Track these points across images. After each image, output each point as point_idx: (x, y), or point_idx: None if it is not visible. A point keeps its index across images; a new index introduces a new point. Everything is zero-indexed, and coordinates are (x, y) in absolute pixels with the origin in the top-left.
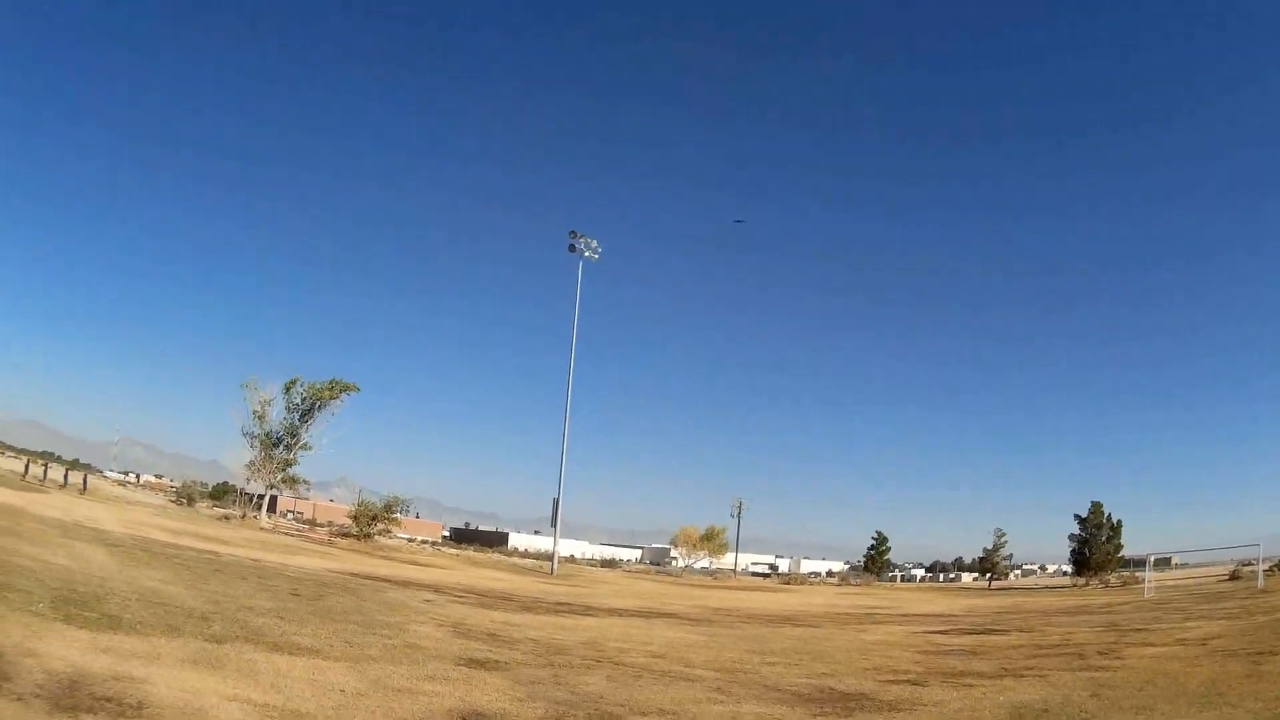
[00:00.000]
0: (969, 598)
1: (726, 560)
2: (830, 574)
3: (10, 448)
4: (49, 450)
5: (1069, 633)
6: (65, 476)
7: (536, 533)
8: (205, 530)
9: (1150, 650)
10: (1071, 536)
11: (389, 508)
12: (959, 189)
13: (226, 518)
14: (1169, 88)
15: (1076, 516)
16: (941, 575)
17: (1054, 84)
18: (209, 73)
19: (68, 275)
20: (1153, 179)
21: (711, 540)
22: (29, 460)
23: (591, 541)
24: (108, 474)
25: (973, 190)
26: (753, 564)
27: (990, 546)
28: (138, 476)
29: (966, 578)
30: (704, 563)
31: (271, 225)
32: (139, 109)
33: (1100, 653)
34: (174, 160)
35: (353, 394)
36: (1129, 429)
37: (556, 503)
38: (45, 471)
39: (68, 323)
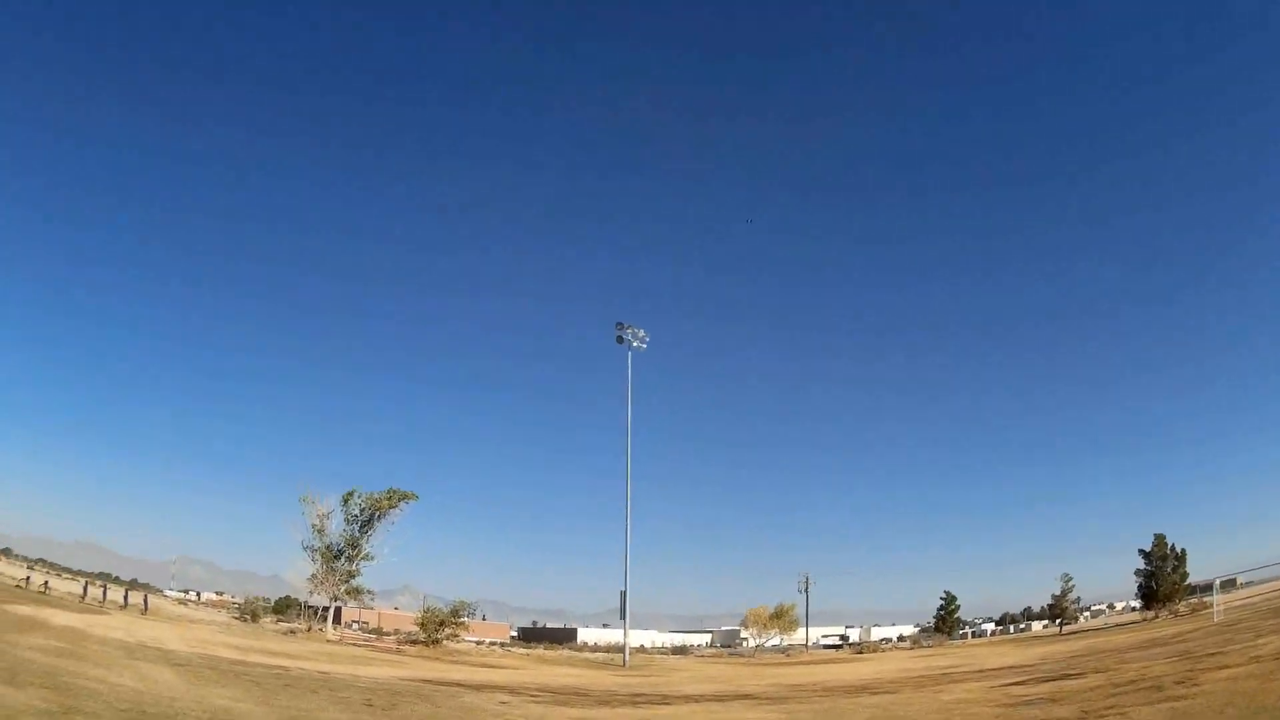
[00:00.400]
0: (1041, 646)
1: (798, 636)
2: (901, 638)
3: (66, 570)
4: (106, 571)
5: (1145, 667)
6: (125, 597)
7: (605, 626)
8: (271, 645)
9: (1225, 672)
10: (1138, 571)
11: (456, 612)
12: (1004, 241)
13: (292, 632)
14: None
15: (1141, 551)
16: (1012, 627)
17: None
18: (262, 184)
19: (117, 397)
20: (1214, 206)
21: (781, 618)
22: (87, 582)
23: (661, 630)
24: (167, 593)
25: (1021, 235)
26: (823, 637)
27: (1058, 593)
28: (198, 595)
29: (1037, 626)
30: (775, 641)
31: (317, 335)
32: (183, 234)
33: (1177, 682)
34: (219, 276)
35: (411, 502)
36: (1182, 459)
37: (624, 595)
38: (104, 593)
39: (119, 445)
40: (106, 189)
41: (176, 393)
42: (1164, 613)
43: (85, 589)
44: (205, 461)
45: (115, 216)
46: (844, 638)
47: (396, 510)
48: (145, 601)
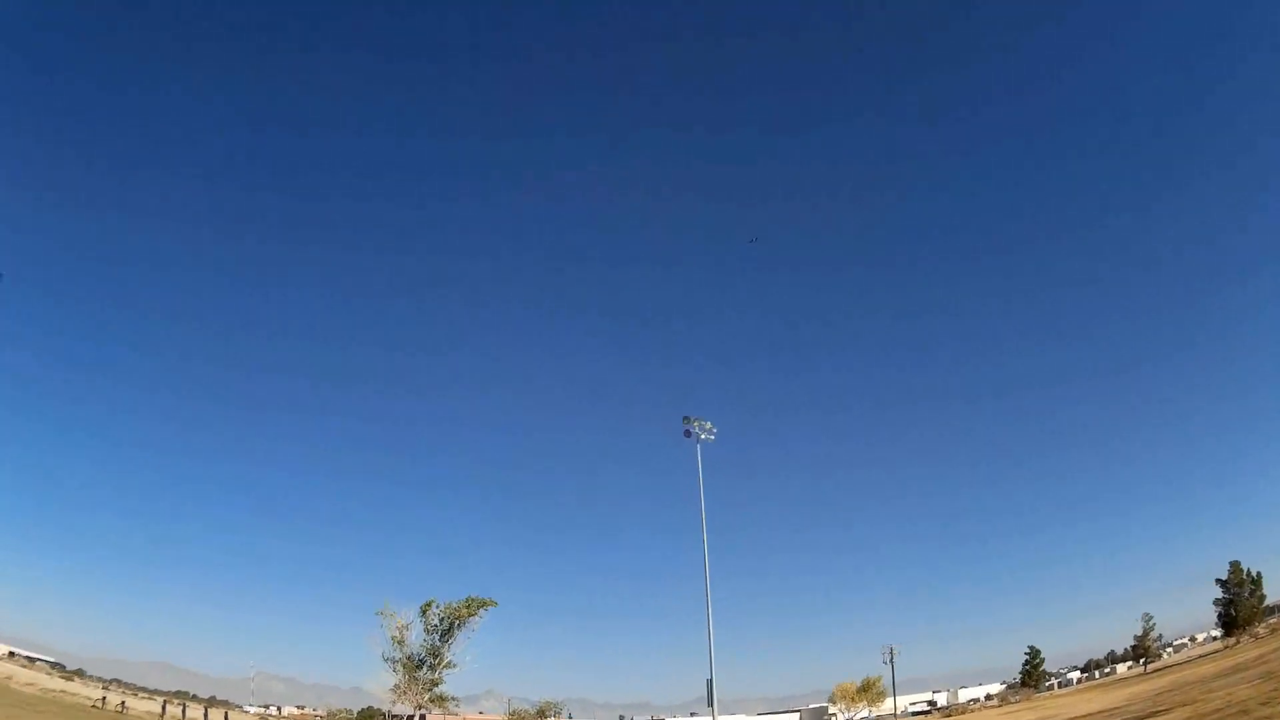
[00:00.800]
0: (1127, 687)
1: (886, 706)
2: (989, 697)
3: (143, 689)
4: (183, 690)
5: (1229, 693)
6: (205, 715)
7: (693, 715)
8: None
9: None
10: (1216, 601)
11: (542, 712)
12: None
13: None
14: None
15: (1218, 581)
16: (1097, 672)
17: None
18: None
19: (185, 519)
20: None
21: (868, 690)
22: (165, 701)
23: (748, 714)
24: (248, 709)
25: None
26: (911, 705)
27: (1139, 633)
28: (279, 709)
29: (1121, 668)
30: (864, 714)
31: (378, 446)
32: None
33: (1262, 703)
34: (283, 395)
35: (490, 608)
36: (1250, 481)
37: (710, 682)
38: (184, 711)
39: (190, 564)
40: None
41: (245, 511)
42: (1244, 637)
43: (164, 708)
44: (280, 577)
45: (178, 334)
46: (932, 703)
47: (476, 617)
48: (225, 719)
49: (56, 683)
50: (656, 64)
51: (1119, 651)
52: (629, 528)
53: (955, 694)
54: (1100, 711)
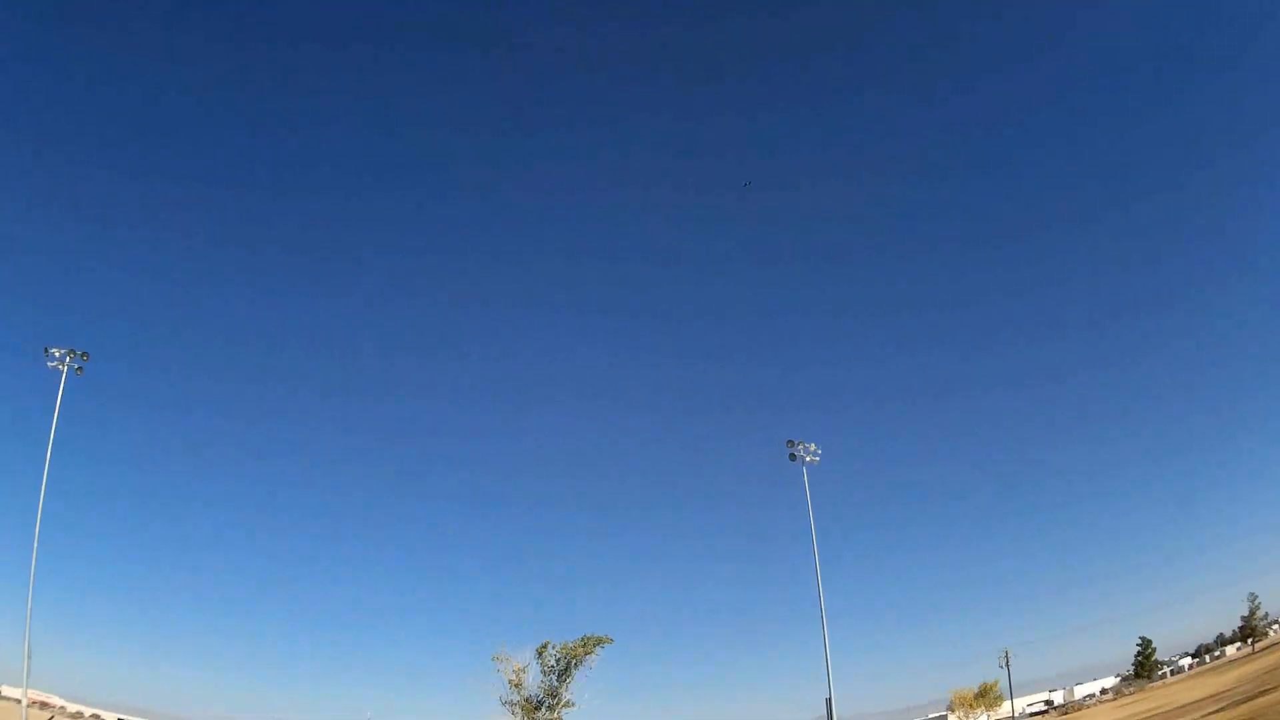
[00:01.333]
0: (1236, 669)
1: (1003, 710)
2: (1104, 691)
3: None
4: None
5: None
6: None
7: None
8: None
9: None
10: None
11: None
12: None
13: None
14: None
15: None
16: (1208, 656)
17: None
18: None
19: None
20: None
21: (986, 695)
22: None
23: None
24: None
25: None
26: (1028, 706)
27: (1246, 613)
28: None
29: (1230, 650)
30: (983, 719)
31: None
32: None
33: None
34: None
35: (607, 645)
36: None
37: (829, 701)
38: None
39: (296, 621)
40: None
41: (346, 565)
42: None
43: None
44: (392, 625)
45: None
46: (1049, 702)
47: (593, 655)
48: None
49: None
50: (655, 51)
51: (1227, 634)
52: (731, 548)
53: (1070, 691)
54: (1209, 696)
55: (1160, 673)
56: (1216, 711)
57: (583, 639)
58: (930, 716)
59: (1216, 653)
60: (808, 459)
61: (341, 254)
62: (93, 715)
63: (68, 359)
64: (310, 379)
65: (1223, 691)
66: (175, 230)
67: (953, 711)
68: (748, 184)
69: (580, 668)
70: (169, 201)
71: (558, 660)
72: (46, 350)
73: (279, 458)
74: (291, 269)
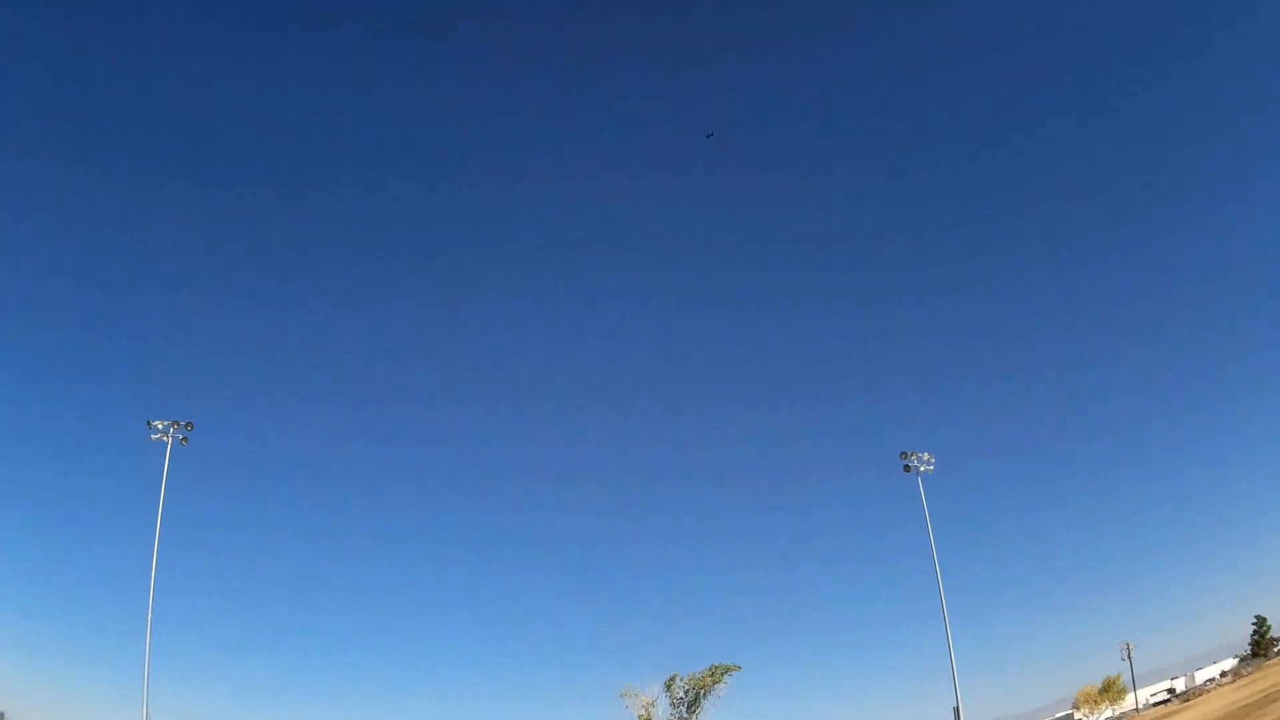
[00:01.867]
0: None
1: (1127, 702)
2: (1224, 674)
3: None
4: None
5: None
6: None
7: None
8: None
9: None
10: None
11: None
12: None
13: None
14: None
15: None
16: None
17: None
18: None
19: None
20: None
21: (1109, 690)
22: None
23: None
24: None
25: None
26: (1151, 697)
27: None
28: None
29: None
30: (1108, 713)
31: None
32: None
33: None
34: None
35: (735, 673)
36: None
37: (957, 711)
38: None
39: (434, 644)
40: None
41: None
42: None
43: None
44: (514, 665)
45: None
46: (1171, 690)
47: (721, 684)
48: None
49: None
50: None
51: None
52: (845, 561)
53: (1191, 677)
54: None
55: (1277, 649)
56: None
57: (710, 668)
58: (1057, 716)
59: None
60: (922, 469)
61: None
62: None
63: (171, 430)
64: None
65: None
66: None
67: (1078, 709)
68: (710, 134)
69: (709, 697)
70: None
71: (686, 692)
72: (149, 423)
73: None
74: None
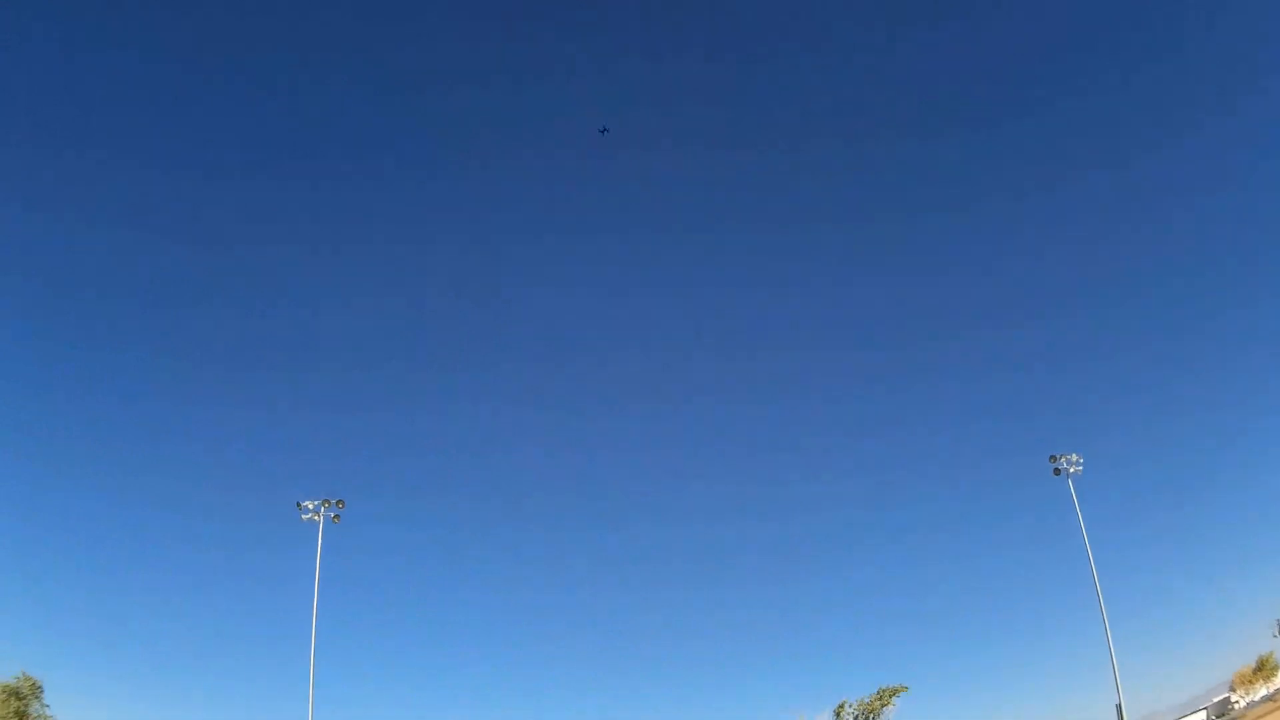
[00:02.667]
0: None
1: None
2: None
3: None
4: None
5: None
6: None
7: None
8: None
9: None
10: None
11: None
12: None
13: None
14: None
15: None
16: None
17: None
18: None
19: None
20: None
21: (1264, 669)
22: None
23: None
24: None
25: None
26: None
27: None
28: None
29: None
30: (1263, 692)
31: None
32: None
33: None
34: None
35: (903, 694)
36: None
37: (1120, 708)
38: None
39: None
40: None
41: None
42: None
43: None
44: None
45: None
46: None
47: (890, 706)
48: None
49: None
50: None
51: None
52: (997, 566)
53: None
54: None
55: None
56: None
57: (879, 692)
58: (1215, 700)
59: None
60: (1071, 470)
61: None
62: None
63: (322, 509)
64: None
65: None
66: None
67: (1234, 691)
68: (604, 130)
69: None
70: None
71: (855, 717)
72: (299, 505)
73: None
74: None
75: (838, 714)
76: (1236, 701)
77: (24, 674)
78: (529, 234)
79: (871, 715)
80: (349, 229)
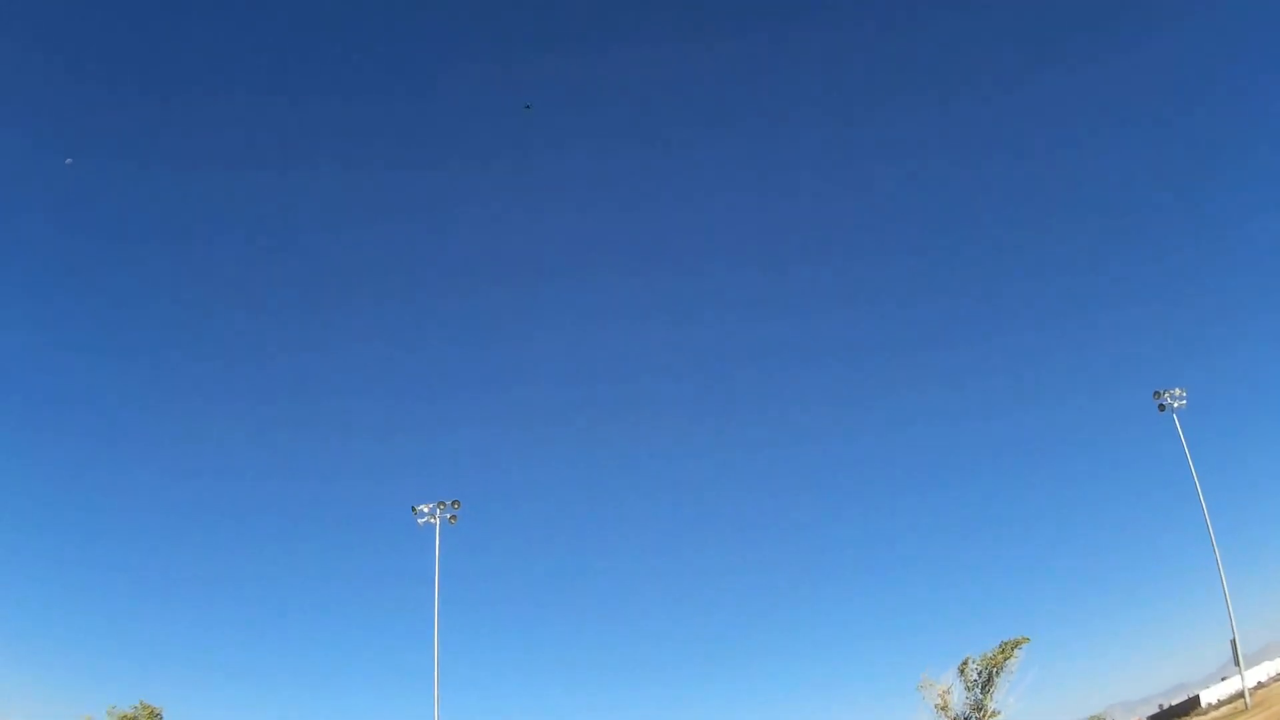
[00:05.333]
0: None
1: None
2: None
3: None
4: None
5: None
6: None
7: (1224, 679)
8: None
9: None
10: None
11: None
12: None
13: None
14: None
15: None
16: None
17: None
18: None
19: None
20: None
21: None
22: None
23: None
24: None
25: None
26: None
27: None
28: None
29: None
30: None
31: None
32: None
33: None
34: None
35: (1025, 646)
36: None
37: (1234, 643)
38: None
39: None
40: None
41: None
42: None
43: None
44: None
45: None
46: None
47: (1012, 659)
48: None
49: None
50: None
51: None
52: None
53: None
54: None
55: None
56: None
57: (1001, 646)
58: None
59: None
60: (1176, 405)
61: None
62: None
63: (438, 511)
64: None
65: None
66: None
67: None
68: (528, 106)
69: (1001, 674)
70: None
71: (979, 673)
72: (414, 509)
73: None
74: None
75: (962, 671)
76: None
77: (142, 703)
78: None
79: (995, 669)
80: None
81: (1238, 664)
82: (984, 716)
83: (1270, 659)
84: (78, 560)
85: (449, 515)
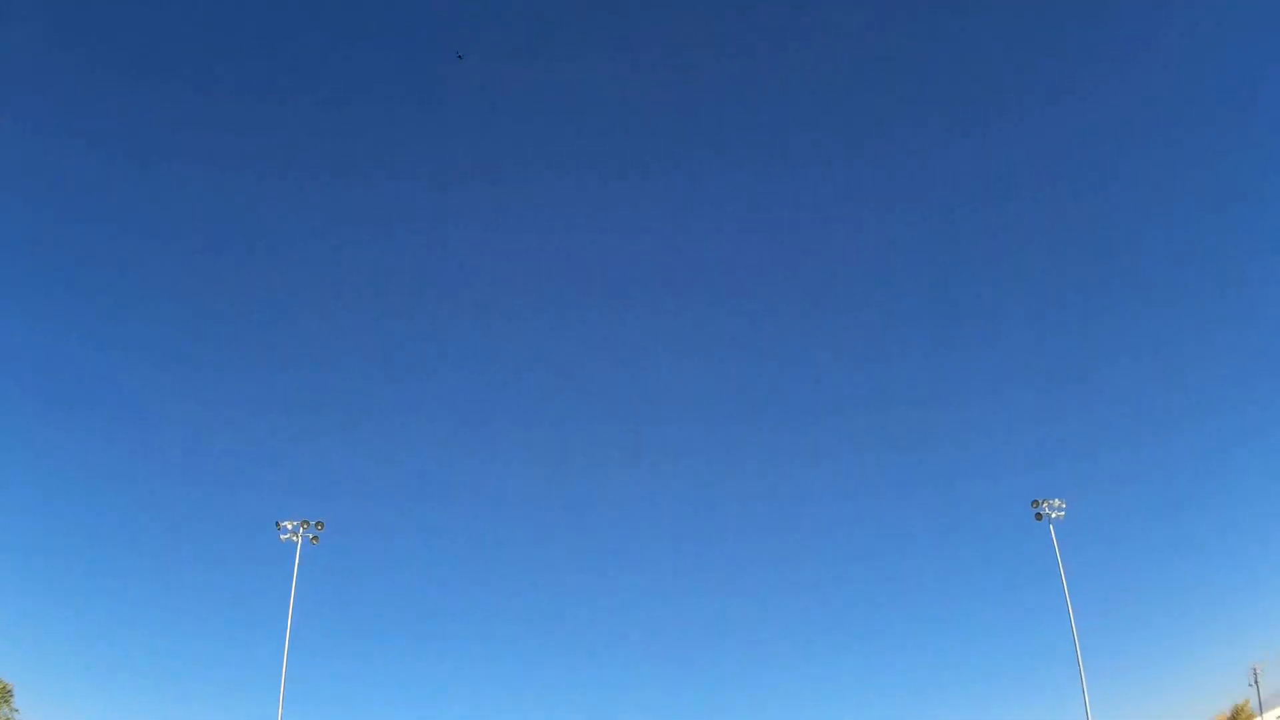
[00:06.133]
0: None
1: None
2: None
3: None
4: None
5: None
6: None
7: None
8: None
9: None
10: None
11: None
12: None
13: None
14: None
15: None
16: None
17: None
18: None
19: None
20: None
21: (1239, 717)
22: None
23: None
24: None
25: None
26: None
27: None
28: None
29: None
30: None
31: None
32: None
33: None
34: None
35: None
36: None
37: None
38: None
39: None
40: None
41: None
42: None
43: None
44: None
45: None
46: None
47: None
48: None
49: None
50: None
51: None
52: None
53: None
54: None
55: None
56: None
57: None
58: None
59: None
60: (1054, 515)
61: None
62: None
63: (301, 529)
64: None
65: None
66: None
67: None
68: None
69: None
70: None
71: None
72: (278, 524)
73: None
74: None
75: None
76: None
77: None
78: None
79: None
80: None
81: None
82: None
83: None
84: None
85: (311, 536)
